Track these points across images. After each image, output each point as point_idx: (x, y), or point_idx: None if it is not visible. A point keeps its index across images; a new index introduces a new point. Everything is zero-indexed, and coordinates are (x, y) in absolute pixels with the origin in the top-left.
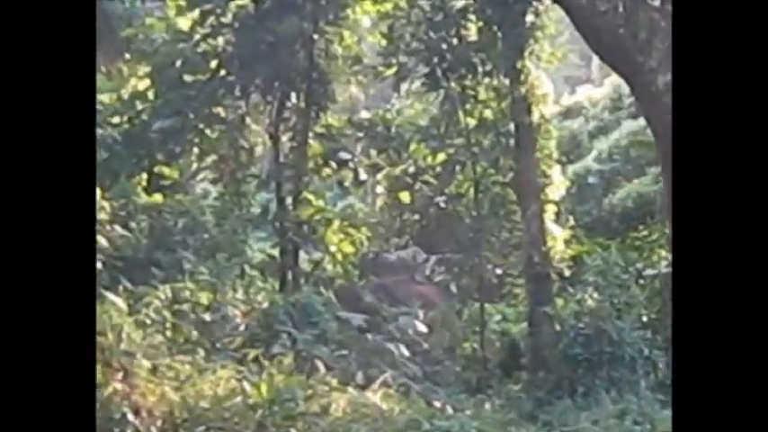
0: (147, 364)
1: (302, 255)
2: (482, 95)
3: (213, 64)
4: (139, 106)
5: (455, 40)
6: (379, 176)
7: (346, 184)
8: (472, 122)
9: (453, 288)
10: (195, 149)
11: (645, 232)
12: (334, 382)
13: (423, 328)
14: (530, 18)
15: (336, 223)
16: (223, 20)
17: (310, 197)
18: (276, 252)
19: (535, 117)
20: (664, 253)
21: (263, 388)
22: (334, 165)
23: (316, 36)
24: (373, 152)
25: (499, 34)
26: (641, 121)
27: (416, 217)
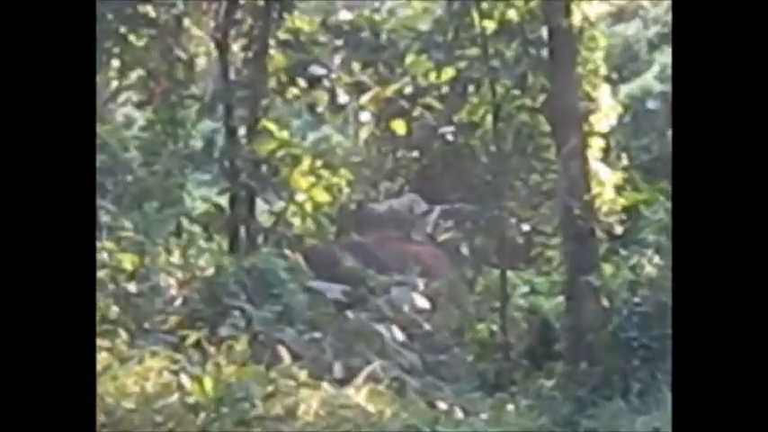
0: None
1: (260, 204)
2: None
3: None
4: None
5: None
6: (365, 99)
7: (320, 109)
8: (490, 26)
9: (464, 249)
10: (114, 62)
11: None
12: (303, 375)
13: (423, 304)
14: None
15: (306, 162)
16: None
17: (271, 127)
18: (224, 200)
19: (576, 19)
20: None
21: (208, 383)
22: (303, 83)
23: None
24: (356, 66)
25: None
26: None
27: (415, 154)
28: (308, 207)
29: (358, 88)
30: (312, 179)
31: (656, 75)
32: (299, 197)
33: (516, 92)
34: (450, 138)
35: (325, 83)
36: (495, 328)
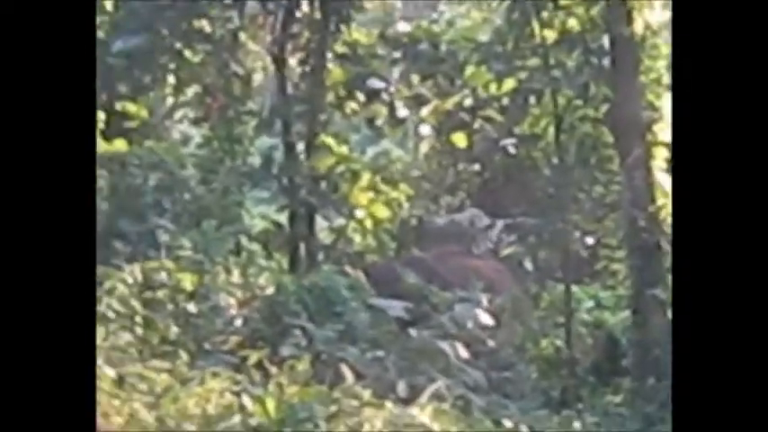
0: (110, 372)
1: (319, 221)
2: None
3: None
4: None
5: None
6: (425, 112)
7: (379, 123)
8: (551, 36)
9: (528, 264)
10: (171, 78)
11: None
12: (367, 394)
13: (487, 320)
14: None
15: (366, 177)
16: None
17: (330, 142)
18: (284, 218)
19: (638, 27)
20: None
21: (270, 404)
22: (361, 97)
23: None
24: (415, 78)
25: None
26: None
27: (476, 167)
28: (368, 223)
29: (417, 101)
30: (372, 194)
31: None
32: (359, 213)
33: (578, 102)
34: (511, 150)
35: (384, 96)
36: (560, 343)
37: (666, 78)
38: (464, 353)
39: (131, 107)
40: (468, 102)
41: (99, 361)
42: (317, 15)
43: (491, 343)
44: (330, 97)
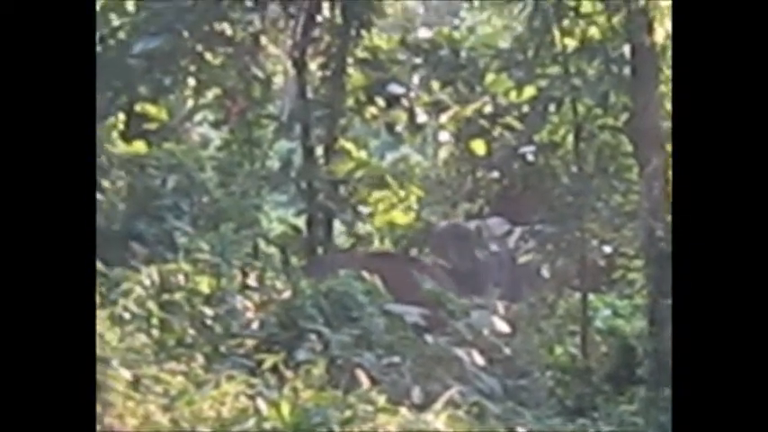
0: (125, 374)
1: (337, 226)
2: (585, 7)
3: None
4: (115, 21)
5: None
6: (444, 118)
7: (398, 128)
8: (571, 44)
9: (545, 272)
10: (191, 81)
11: None
12: (382, 400)
13: (503, 327)
14: None
15: (385, 183)
16: None
17: (349, 147)
18: (302, 222)
19: (659, 36)
20: None
21: (285, 408)
22: (381, 102)
23: None
24: (435, 85)
25: None
26: None
27: (494, 175)
28: (387, 228)
29: (437, 107)
30: (391, 200)
31: None
32: (377, 218)
33: (598, 111)
34: (530, 158)
35: (404, 102)
36: (576, 351)
37: None
38: (480, 360)
39: (151, 109)
40: (487, 109)
41: (114, 362)
42: (338, 20)
43: (507, 350)
44: (350, 102)
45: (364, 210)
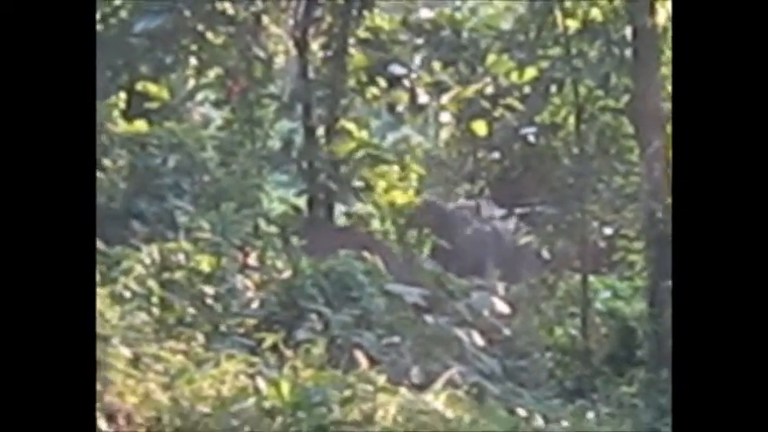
0: (125, 352)
1: (338, 206)
2: None
3: None
4: (116, 0)
5: None
6: (445, 99)
7: (399, 109)
8: (573, 26)
9: (545, 253)
10: (192, 60)
11: None
12: (382, 379)
13: (503, 308)
14: None
15: (386, 163)
16: None
17: (350, 127)
18: (302, 202)
19: (660, 18)
20: None
21: (285, 387)
22: (382, 83)
23: None
24: (437, 65)
25: None
26: None
27: (495, 156)
28: (388, 209)
29: (438, 88)
30: (391, 180)
31: None
32: (378, 198)
33: (599, 93)
34: (531, 139)
35: (406, 82)
36: (576, 333)
37: None
38: (480, 340)
39: (152, 88)
40: (489, 90)
41: (114, 340)
42: (340, 0)
43: (506, 331)
44: (351, 82)
45: (365, 190)
